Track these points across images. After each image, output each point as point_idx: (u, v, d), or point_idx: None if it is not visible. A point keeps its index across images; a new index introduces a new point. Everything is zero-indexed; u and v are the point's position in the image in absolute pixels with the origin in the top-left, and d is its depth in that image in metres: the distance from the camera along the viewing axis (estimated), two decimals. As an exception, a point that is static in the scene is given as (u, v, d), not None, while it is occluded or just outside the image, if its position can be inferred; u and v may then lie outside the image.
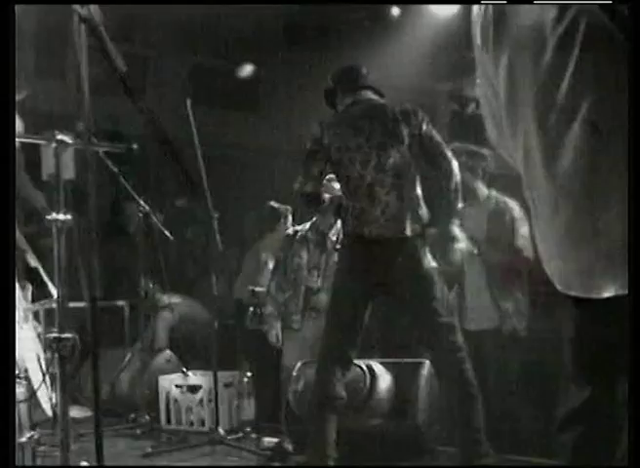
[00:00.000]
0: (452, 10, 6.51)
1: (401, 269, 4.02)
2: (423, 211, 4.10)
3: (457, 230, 4.12)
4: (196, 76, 8.37)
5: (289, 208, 6.19)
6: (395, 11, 6.97)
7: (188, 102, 4.95)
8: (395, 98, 4.30)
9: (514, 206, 4.62)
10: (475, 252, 4.58)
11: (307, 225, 5.44)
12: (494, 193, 4.77)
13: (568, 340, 1.98)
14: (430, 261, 4.07)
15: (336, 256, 5.06)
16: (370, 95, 4.25)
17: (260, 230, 6.38)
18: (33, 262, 4.55)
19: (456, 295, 4.72)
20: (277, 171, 8.12)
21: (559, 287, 1.91)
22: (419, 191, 4.09)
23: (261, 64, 8.48)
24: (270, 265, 6.16)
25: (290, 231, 5.63)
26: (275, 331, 5.38)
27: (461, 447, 3.95)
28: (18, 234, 4.46)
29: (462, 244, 4.20)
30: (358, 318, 4.09)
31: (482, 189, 4.77)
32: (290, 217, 6.18)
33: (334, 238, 5.29)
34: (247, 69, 8.39)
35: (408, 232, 4.00)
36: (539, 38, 1.84)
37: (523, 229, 4.53)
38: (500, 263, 4.60)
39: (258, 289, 6.14)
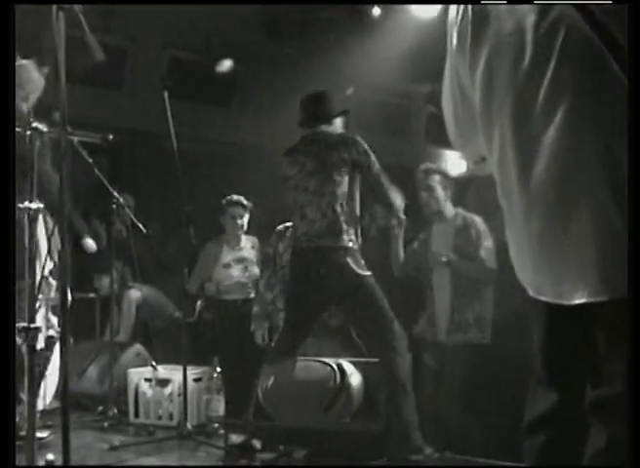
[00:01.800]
0: (433, 11, 6.52)
1: (330, 276, 4.42)
2: (349, 226, 4.47)
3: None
4: (174, 69, 8.30)
5: (249, 204, 6.18)
6: (376, 11, 6.97)
7: (166, 95, 4.91)
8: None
9: (479, 221, 4.99)
10: (444, 259, 4.93)
11: None
12: (460, 211, 5.11)
13: (537, 346, 1.99)
14: (359, 268, 4.42)
15: None
16: (322, 127, 4.59)
17: (219, 223, 6.35)
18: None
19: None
20: (249, 166, 8.10)
21: (531, 292, 1.92)
22: (349, 209, 4.50)
23: (240, 59, 8.44)
24: (225, 259, 6.16)
25: (280, 227, 5.61)
26: (262, 332, 5.37)
27: (395, 439, 4.16)
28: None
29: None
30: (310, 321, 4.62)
31: (449, 208, 5.09)
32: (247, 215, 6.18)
33: None
34: (225, 64, 8.33)
35: (328, 243, 4.43)
36: (518, 43, 1.84)
37: (487, 242, 4.92)
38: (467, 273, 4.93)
39: (207, 283, 6.13)
